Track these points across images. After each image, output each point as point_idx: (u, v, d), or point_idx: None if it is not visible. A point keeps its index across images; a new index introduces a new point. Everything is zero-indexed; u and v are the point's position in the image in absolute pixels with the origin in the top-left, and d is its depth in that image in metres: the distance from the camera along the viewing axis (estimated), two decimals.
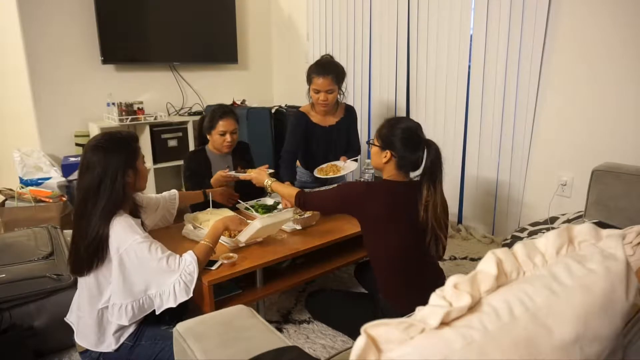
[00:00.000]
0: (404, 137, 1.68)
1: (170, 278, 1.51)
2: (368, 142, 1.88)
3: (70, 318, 1.67)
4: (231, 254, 1.77)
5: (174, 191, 2.12)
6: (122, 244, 1.47)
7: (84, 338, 1.58)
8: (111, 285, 1.51)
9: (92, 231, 1.47)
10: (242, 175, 2.19)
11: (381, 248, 1.71)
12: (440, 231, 1.70)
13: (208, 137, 2.40)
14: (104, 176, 1.48)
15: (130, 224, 1.51)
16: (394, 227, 1.67)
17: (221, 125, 2.34)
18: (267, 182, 2.03)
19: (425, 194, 1.65)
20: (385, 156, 1.71)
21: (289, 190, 1.94)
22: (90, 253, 1.47)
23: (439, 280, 1.77)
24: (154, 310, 1.54)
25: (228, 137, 2.35)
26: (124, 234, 1.48)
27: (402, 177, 1.74)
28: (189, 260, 1.55)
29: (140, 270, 1.49)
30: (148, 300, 1.53)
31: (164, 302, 1.52)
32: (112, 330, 1.55)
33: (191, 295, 1.53)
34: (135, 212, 1.69)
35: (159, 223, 2.05)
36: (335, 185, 2.25)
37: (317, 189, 1.99)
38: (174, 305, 1.51)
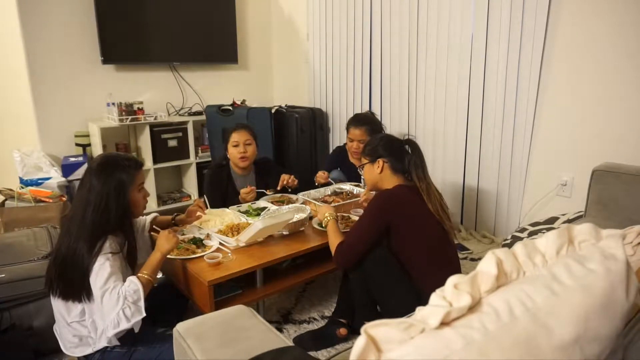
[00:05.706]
0: (386, 142, 1.86)
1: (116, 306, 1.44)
2: (358, 167, 1.98)
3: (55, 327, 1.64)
4: (215, 254, 1.77)
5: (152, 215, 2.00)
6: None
7: (71, 346, 1.56)
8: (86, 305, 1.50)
9: (74, 253, 1.46)
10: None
11: (423, 244, 1.74)
12: (445, 214, 1.79)
13: (228, 154, 2.45)
14: (92, 199, 1.48)
15: (108, 270, 1.45)
16: (422, 220, 1.75)
17: (234, 136, 2.38)
18: (326, 219, 1.90)
19: (419, 183, 1.77)
20: (379, 166, 1.83)
21: (333, 240, 1.81)
22: (67, 276, 1.46)
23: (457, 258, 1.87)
24: (150, 313, 1.54)
25: (241, 148, 2.38)
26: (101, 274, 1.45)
27: (402, 181, 1.82)
28: (128, 283, 1.48)
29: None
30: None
31: (120, 325, 1.45)
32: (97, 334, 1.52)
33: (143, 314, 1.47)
34: (129, 235, 1.64)
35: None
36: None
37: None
38: (127, 326, 1.45)
